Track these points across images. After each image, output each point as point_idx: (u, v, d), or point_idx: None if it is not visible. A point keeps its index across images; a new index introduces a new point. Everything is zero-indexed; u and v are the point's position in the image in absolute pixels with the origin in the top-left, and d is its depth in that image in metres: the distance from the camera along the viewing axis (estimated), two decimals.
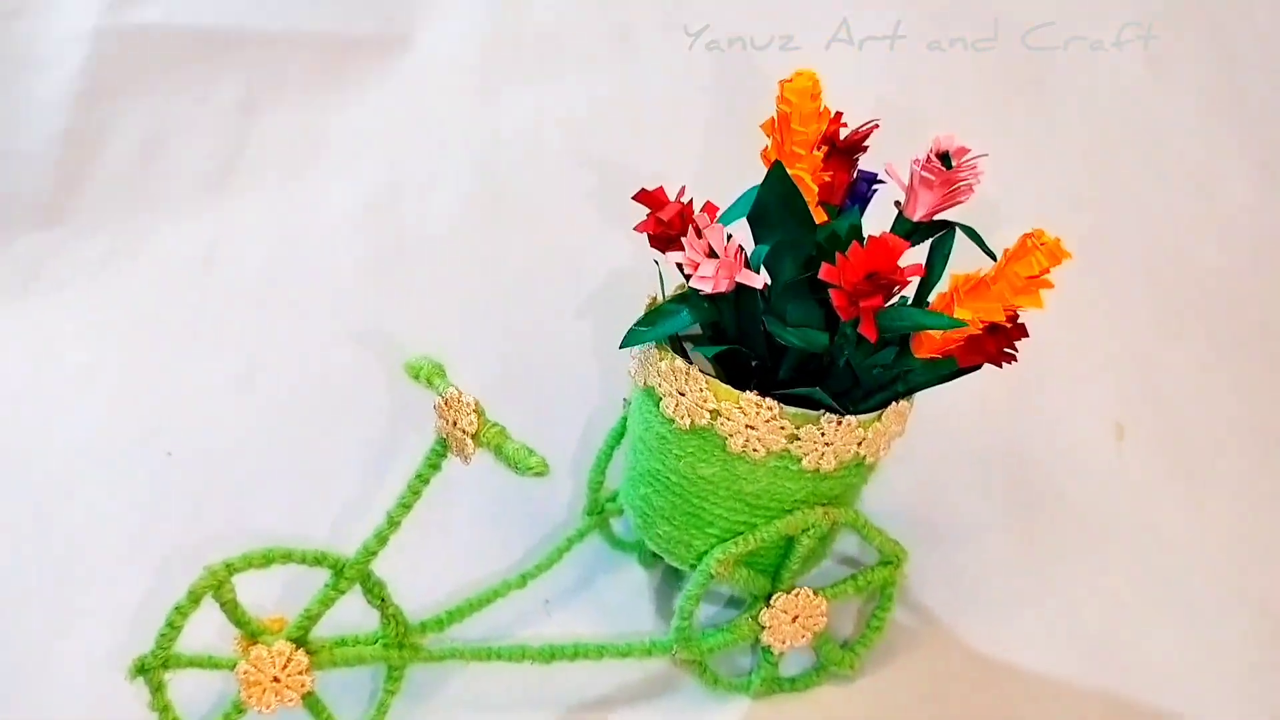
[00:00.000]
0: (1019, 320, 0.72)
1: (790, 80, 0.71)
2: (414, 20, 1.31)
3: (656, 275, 0.78)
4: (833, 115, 0.74)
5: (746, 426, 0.72)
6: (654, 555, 0.93)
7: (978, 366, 0.76)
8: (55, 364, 1.13)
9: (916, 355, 0.73)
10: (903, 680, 0.84)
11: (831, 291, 0.66)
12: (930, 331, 0.72)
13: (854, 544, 0.95)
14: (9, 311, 1.17)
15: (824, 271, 0.66)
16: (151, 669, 0.72)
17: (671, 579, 0.93)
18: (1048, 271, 0.68)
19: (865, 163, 0.77)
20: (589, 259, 1.15)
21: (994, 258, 0.71)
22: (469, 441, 0.70)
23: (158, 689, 0.73)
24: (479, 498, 0.93)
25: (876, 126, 0.75)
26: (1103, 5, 1.08)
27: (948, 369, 0.75)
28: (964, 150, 0.70)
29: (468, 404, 0.70)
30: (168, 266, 1.23)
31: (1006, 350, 0.73)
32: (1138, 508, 0.97)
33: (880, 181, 0.77)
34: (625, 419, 0.87)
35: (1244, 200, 1.13)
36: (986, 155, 0.70)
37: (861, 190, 0.77)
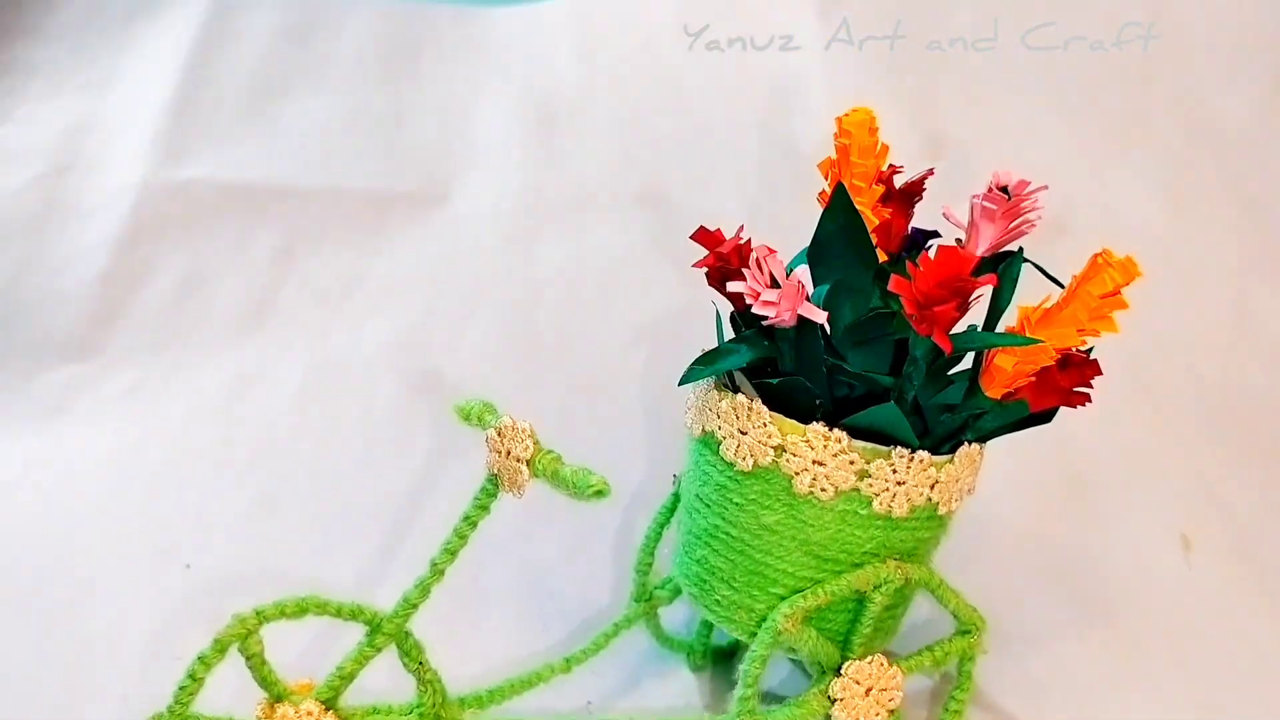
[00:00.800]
0: (1091, 357, 0.70)
1: (848, 114, 0.72)
2: (452, 179, 1.35)
3: (714, 323, 0.77)
4: (889, 163, 0.75)
5: (814, 463, 0.69)
6: (704, 656, 0.88)
7: (1050, 415, 0.73)
8: (78, 488, 1.11)
9: (987, 393, 0.71)
10: None
11: (904, 301, 0.64)
12: (1001, 365, 0.69)
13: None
14: (36, 439, 1.16)
15: (893, 283, 0.64)
16: None
17: (723, 683, 0.86)
18: (1120, 290, 0.66)
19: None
20: (623, 381, 1.14)
21: (1061, 285, 0.70)
22: (523, 469, 0.66)
23: None
24: (514, 582, 0.88)
25: (932, 172, 0.76)
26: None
27: (1018, 414, 0.72)
28: (1024, 183, 0.70)
29: (523, 429, 0.67)
30: (197, 397, 1.22)
31: (1079, 390, 0.70)
32: (1212, 614, 0.92)
33: (936, 235, 0.77)
34: (676, 495, 0.83)
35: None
36: (1046, 188, 0.70)
37: (918, 241, 0.77)
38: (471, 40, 1.35)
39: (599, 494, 0.63)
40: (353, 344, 1.27)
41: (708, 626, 0.88)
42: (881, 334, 0.72)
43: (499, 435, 0.68)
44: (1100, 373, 0.70)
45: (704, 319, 1.09)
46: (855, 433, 0.69)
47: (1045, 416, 0.73)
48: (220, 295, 1.30)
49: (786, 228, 1.19)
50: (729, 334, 0.76)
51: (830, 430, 0.68)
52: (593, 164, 1.34)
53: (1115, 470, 1.04)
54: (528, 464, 0.66)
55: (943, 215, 0.74)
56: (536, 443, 0.67)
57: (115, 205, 1.31)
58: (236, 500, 1.09)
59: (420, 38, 1.32)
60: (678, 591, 0.85)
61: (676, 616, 0.90)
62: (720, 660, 0.88)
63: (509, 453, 0.67)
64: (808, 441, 0.69)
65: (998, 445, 0.77)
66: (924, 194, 0.76)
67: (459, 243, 1.33)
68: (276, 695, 0.68)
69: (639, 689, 0.85)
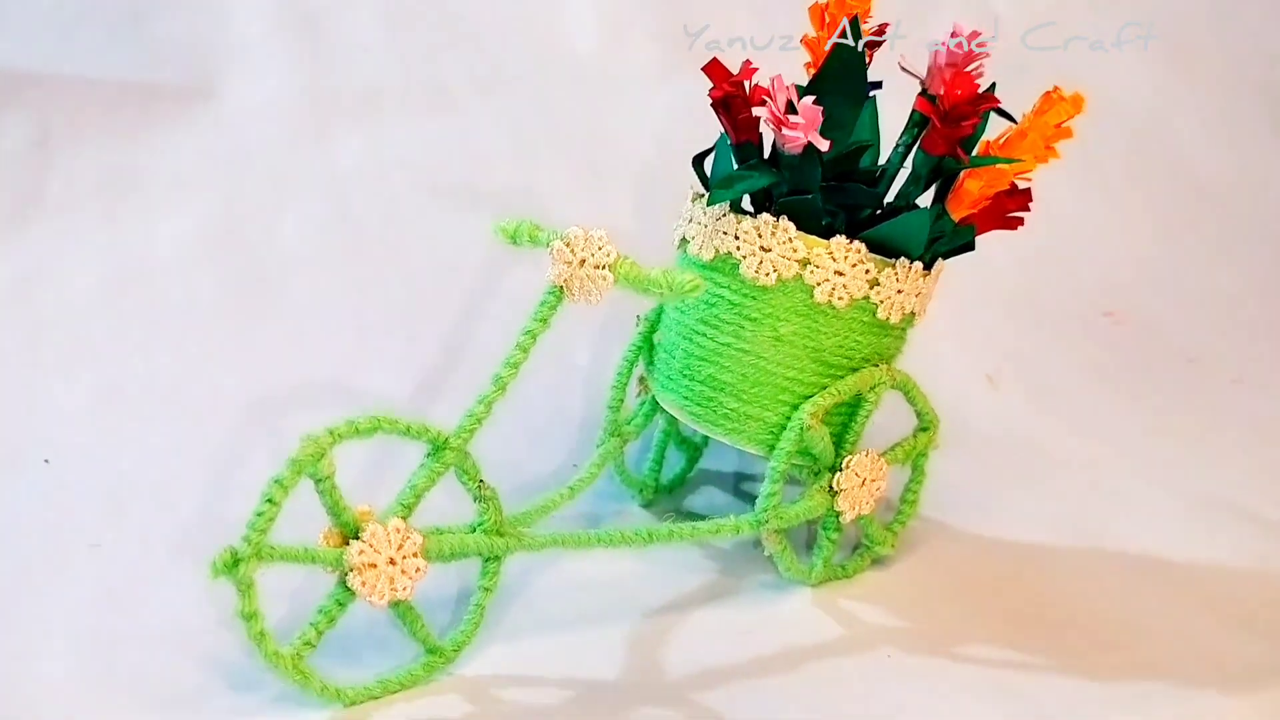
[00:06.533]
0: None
1: None
2: (213, 73, 1.26)
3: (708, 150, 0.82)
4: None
5: (835, 273, 0.76)
6: (655, 491, 0.92)
7: (970, 246, 0.85)
8: None
9: (952, 215, 0.81)
10: (934, 562, 0.88)
11: (931, 116, 0.73)
12: (969, 188, 0.80)
13: None
14: None
15: (919, 104, 0.73)
16: (244, 560, 0.61)
17: (669, 516, 0.92)
18: (1070, 119, 0.79)
19: None
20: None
21: (1013, 120, 0.82)
22: (607, 275, 0.68)
23: (247, 588, 0.61)
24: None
25: (888, 25, 0.85)
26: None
27: (966, 238, 0.83)
28: (976, 34, 0.81)
29: (599, 236, 0.68)
30: None
31: (1015, 215, 0.83)
32: (1028, 427, 1.10)
33: (878, 85, 0.86)
34: (646, 333, 0.87)
35: None
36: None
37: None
38: None
39: (694, 290, 0.67)
40: (149, 238, 1.17)
41: (658, 465, 0.93)
42: (861, 166, 0.80)
43: (567, 246, 0.68)
44: (1032, 199, 0.83)
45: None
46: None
47: (968, 245, 0.85)
48: None
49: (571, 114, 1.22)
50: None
51: (850, 241, 0.76)
52: (366, 62, 1.31)
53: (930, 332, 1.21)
54: (610, 268, 0.68)
55: (899, 65, 0.83)
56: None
57: None
58: (75, 394, 0.98)
59: None
60: (641, 427, 0.89)
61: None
62: (664, 497, 0.94)
63: (583, 261, 0.68)
64: (830, 254, 0.76)
65: None
66: (884, 40, 0.85)
67: (244, 139, 1.25)
68: (344, 522, 0.65)
69: (599, 525, 0.89)
